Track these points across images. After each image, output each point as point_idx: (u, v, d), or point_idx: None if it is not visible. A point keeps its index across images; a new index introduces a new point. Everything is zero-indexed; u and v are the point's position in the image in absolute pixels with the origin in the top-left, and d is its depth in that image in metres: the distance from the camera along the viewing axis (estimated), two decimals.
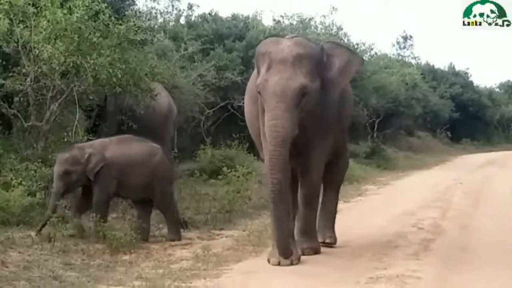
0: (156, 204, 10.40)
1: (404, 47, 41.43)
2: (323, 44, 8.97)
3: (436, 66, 46.23)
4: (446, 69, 47.28)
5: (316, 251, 9.01)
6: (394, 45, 43.57)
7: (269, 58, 8.40)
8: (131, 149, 10.32)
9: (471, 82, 47.48)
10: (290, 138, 8.14)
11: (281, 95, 8.15)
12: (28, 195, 10.01)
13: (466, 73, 47.49)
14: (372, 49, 32.86)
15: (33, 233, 9.45)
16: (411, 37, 41.43)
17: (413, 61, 41.00)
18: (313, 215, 9.14)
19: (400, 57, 40.38)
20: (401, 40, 41.66)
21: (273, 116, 8.15)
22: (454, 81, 44.28)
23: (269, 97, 8.22)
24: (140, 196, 10.30)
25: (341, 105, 9.15)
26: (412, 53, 45.19)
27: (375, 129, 29.18)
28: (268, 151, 8.22)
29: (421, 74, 35.54)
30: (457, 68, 47.68)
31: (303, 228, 8.99)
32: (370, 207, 14.52)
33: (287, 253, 8.34)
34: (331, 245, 9.68)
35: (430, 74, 41.20)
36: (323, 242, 9.66)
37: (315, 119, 8.52)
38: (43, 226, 9.54)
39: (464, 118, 42.20)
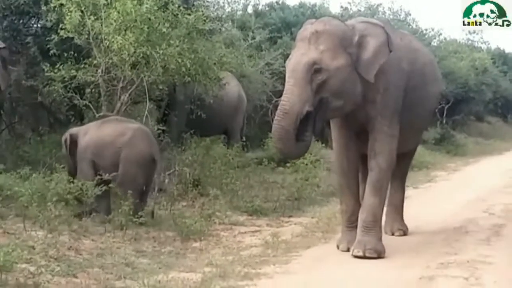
0: (117, 184, 9.93)
1: (474, 32, 40.70)
2: (356, 24, 8.60)
3: (507, 51, 45.36)
4: None
5: (380, 254, 8.31)
6: (463, 30, 42.86)
7: (296, 38, 8.45)
8: (103, 131, 10.27)
9: None
10: (296, 112, 7.94)
11: (292, 70, 8.13)
12: (101, 184, 10.18)
13: None
14: (440, 34, 32.45)
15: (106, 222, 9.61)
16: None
17: (483, 46, 40.24)
18: (380, 205, 8.57)
19: (470, 41, 39.65)
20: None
21: (285, 91, 8.15)
22: None
23: (286, 74, 8.25)
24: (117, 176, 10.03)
25: (412, 90, 8.80)
26: (482, 38, 44.41)
27: (444, 115, 28.75)
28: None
29: (492, 58, 34.88)
30: None
31: (368, 221, 8.39)
32: (440, 193, 14.41)
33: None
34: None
35: (501, 58, 40.37)
36: (392, 235, 9.66)
37: (370, 102, 8.38)
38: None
39: None
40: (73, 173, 10.22)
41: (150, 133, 10.64)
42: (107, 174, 9.77)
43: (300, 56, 8.11)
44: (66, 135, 10.58)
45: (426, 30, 30.10)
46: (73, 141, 10.42)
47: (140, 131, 10.31)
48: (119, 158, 10.03)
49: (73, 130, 10.67)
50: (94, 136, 10.26)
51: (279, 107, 8.11)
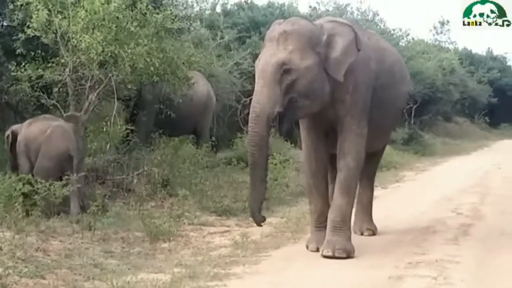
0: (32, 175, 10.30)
1: (441, 32, 40.99)
2: (324, 23, 8.57)
3: (474, 51, 45.86)
4: (484, 53, 46.89)
5: (349, 254, 8.27)
6: (431, 30, 43.36)
7: (265, 38, 8.44)
8: (31, 128, 10.84)
9: (509, 67, 47.06)
10: (267, 114, 7.93)
11: (261, 70, 8.10)
12: (68, 184, 10.12)
13: (505, 57, 47.11)
14: (408, 34, 32.79)
15: (74, 223, 9.57)
16: (448, 22, 40.97)
17: (450, 46, 40.63)
18: (349, 205, 8.52)
19: (437, 42, 40.01)
20: (438, 25, 41.25)
21: (254, 92, 8.14)
22: (492, 66, 43.87)
23: (256, 75, 8.23)
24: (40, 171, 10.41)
25: (380, 89, 8.78)
26: (449, 38, 44.94)
27: (412, 115, 28.97)
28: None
29: (459, 59, 35.24)
30: (495, 53, 47.29)
31: (337, 220, 8.36)
32: (408, 193, 14.50)
33: (256, 219, 8.41)
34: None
35: (468, 59, 40.81)
36: (361, 235, 9.68)
37: (339, 101, 8.35)
38: None
39: (503, 103, 41.69)
40: (15, 168, 10.67)
41: (70, 130, 10.84)
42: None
43: (269, 56, 8.08)
44: (8, 131, 11.07)
45: (394, 30, 30.40)
46: (14, 137, 10.89)
47: (59, 128, 10.75)
48: (41, 153, 10.54)
49: (14, 126, 11.13)
50: (24, 133, 10.82)
51: (250, 110, 8.09)
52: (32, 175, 10.07)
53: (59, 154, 10.49)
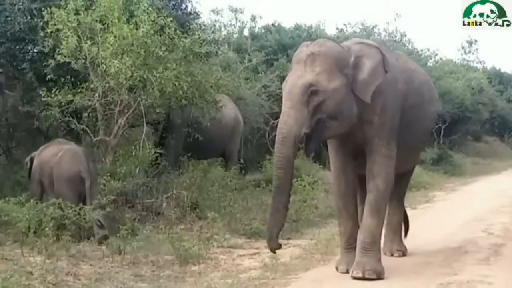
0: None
1: (469, 52, 40.84)
2: (351, 45, 8.57)
3: (503, 70, 45.55)
4: None
5: (379, 275, 8.17)
6: (459, 50, 43.13)
7: (292, 60, 8.43)
8: (44, 153, 10.96)
9: None
10: (294, 136, 7.90)
11: (288, 92, 8.07)
12: (98, 208, 10.17)
13: None
14: (436, 54, 32.64)
15: (104, 246, 9.62)
16: (476, 41, 40.79)
17: (479, 66, 40.43)
18: (378, 226, 8.44)
19: (466, 61, 39.84)
20: (466, 44, 41.10)
21: (281, 113, 8.11)
22: None
23: (283, 97, 8.21)
24: (53, 195, 10.47)
25: (409, 110, 8.74)
26: (477, 58, 44.65)
27: (442, 135, 28.85)
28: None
29: (487, 78, 35.04)
30: None
31: (366, 242, 8.27)
32: (438, 213, 14.40)
33: (272, 245, 8.28)
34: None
35: (497, 78, 40.52)
36: (391, 256, 9.64)
37: (367, 123, 8.32)
38: None
39: None
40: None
41: (81, 152, 10.85)
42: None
43: (296, 78, 8.08)
44: (28, 158, 11.23)
45: (421, 50, 30.34)
46: (32, 163, 11.05)
47: (69, 150, 10.75)
48: (52, 177, 10.57)
49: (34, 153, 11.20)
50: (38, 158, 10.92)
51: (277, 132, 8.08)
52: (41, 200, 10.15)
53: (70, 177, 10.47)
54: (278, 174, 8.07)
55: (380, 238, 8.60)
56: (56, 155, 10.66)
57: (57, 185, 10.51)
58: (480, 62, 41.78)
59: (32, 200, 9.67)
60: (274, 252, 8.51)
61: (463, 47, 41.05)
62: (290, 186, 8.29)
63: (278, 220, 8.21)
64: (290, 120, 7.96)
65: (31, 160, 11.06)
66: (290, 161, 8.03)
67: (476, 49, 40.44)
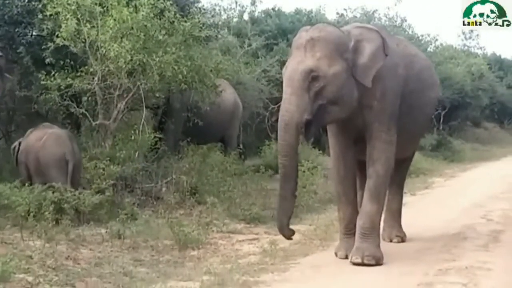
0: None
1: (470, 38, 40.72)
2: (351, 29, 8.54)
3: (503, 56, 45.45)
4: None
5: (378, 261, 8.21)
6: (459, 36, 43.01)
7: (292, 45, 8.40)
8: (30, 137, 10.91)
9: None
10: (296, 123, 7.90)
11: (289, 78, 8.06)
12: (97, 193, 10.16)
13: None
14: (436, 40, 32.56)
15: (103, 230, 9.61)
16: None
17: (479, 51, 40.32)
18: (378, 212, 8.48)
19: (466, 47, 39.72)
20: (466, 30, 41.01)
21: (283, 100, 8.10)
22: None
23: (284, 83, 8.19)
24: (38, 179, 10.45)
25: (409, 95, 8.73)
26: (478, 44, 44.52)
27: (441, 121, 28.82)
28: None
29: (488, 64, 34.96)
30: None
31: (366, 227, 8.30)
32: (437, 200, 14.40)
33: (285, 233, 8.35)
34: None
35: (497, 64, 40.43)
36: (390, 242, 9.64)
37: (367, 107, 8.31)
38: None
39: None
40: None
41: (64, 135, 10.82)
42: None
43: (297, 64, 8.05)
44: (16, 143, 11.18)
45: (422, 36, 30.23)
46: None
47: (53, 134, 10.72)
48: (39, 161, 10.52)
49: (21, 139, 11.14)
50: (24, 142, 10.89)
51: (279, 119, 8.07)
52: (30, 184, 10.09)
53: (57, 160, 10.44)
54: (284, 162, 8.06)
55: (379, 224, 8.63)
56: (41, 140, 10.64)
57: (46, 170, 10.46)
58: (481, 48, 41.62)
59: (26, 185, 9.70)
60: (291, 239, 8.60)
61: (463, 33, 40.92)
62: (297, 173, 8.29)
63: (287, 208, 8.29)
64: (291, 107, 7.94)
65: (20, 145, 11.03)
66: (294, 148, 8.03)
67: (477, 35, 40.31)
